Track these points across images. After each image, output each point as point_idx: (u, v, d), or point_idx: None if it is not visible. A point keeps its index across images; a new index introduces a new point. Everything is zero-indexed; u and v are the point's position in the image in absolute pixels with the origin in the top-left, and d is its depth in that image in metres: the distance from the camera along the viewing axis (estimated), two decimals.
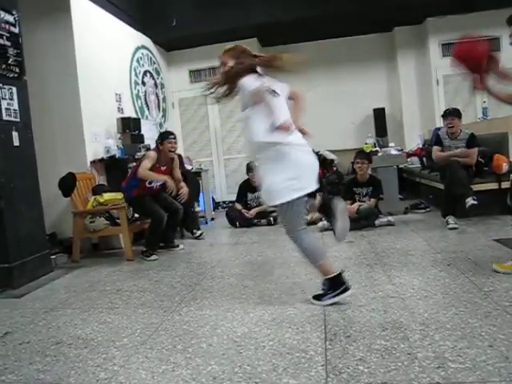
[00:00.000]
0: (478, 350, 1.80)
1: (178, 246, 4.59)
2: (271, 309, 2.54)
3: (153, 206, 4.24)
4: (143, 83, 6.79)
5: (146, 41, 7.02)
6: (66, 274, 3.95)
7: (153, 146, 5.82)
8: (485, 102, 7.21)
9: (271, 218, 5.53)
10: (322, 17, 6.84)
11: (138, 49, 6.68)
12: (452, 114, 4.66)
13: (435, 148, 4.80)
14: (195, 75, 7.93)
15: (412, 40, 7.75)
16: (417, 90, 7.89)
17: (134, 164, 4.60)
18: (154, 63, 7.33)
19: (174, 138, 4.45)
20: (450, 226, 4.30)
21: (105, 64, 5.59)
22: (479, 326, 2.04)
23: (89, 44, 5.22)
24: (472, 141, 4.55)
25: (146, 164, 4.22)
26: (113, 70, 5.82)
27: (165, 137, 4.40)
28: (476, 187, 4.47)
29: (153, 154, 4.31)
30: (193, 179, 5.42)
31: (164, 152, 4.37)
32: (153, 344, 2.19)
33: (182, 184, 4.56)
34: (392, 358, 1.81)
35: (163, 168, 4.41)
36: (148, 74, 7.01)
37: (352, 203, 4.90)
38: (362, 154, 5.19)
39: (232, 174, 7.84)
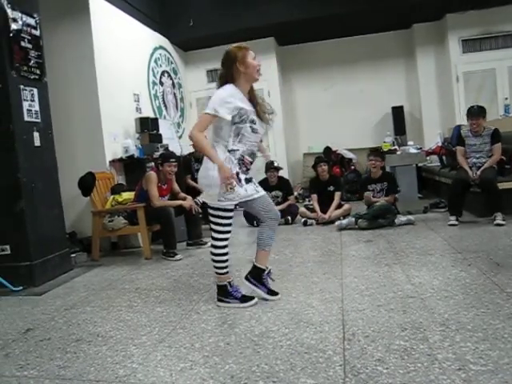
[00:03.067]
0: (500, 352, 1.76)
1: (206, 243, 4.60)
2: (289, 308, 2.53)
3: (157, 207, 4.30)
4: (161, 83, 6.85)
5: (164, 41, 7.08)
6: (85, 272, 4.00)
7: (171, 146, 5.87)
8: (507, 98, 7.07)
9: (289, 218, 5.51)
10: (338, 15, 6.79)
11: (155, 49, 6.73)
12: (477, 114, 4.53)
13: (458, 149, 4.75)
14: (213, 75, 7.96)
15: (431, 37, 7.63)
16: (436, 87, 7.77)
17: (139, 183, 4.55)
18: (172, 63, 7.38)
19: (175, 162, 4.53)
20: (450, 222, 4.46)
21: (123, 65, 5.65)
22: (502, 327, 1.99)
23: (107, 45, 5.28)
24: (496, 136, 4.48)
25: (155, 192, 4.30)
26: (131, 71, 5.88)
27: (166, 160, 4.49)
28: (499, 186, 4.39)
29: (154, 177, 4.35)
30: None
31: (163, 173, 4.48)
32: (171, 342, 2.21)
33: (182, 195, 4.68)
34: (411, 358, 1.79)
35: (164, 187, 4.54)
36: (166, 74, 7.06)
37: None
38: (375, 153, 5.19)
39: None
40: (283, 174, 6.09)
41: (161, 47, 6.95)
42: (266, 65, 7.65)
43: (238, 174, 2.61)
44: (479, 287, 2.57)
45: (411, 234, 4.31)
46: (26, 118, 3.66)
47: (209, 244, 4.53)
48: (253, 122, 2.62)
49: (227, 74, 2.62)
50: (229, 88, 2.58)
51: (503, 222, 4.18)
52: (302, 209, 5.54)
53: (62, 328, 2.58)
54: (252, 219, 5.66)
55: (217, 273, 2.75)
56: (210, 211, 2.67)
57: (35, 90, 3.78)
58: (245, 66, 2.58)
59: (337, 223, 4.90)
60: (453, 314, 2.21)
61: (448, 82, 7.52)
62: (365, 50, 8.00)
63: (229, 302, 2.69)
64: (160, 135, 5.86)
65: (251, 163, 2.72)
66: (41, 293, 3.40)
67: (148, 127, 5.62)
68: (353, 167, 7.57)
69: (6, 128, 3.52)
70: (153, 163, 5.00)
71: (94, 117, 4.98)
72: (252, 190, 2.68)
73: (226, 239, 2.69)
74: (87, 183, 4.48)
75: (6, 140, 3.53)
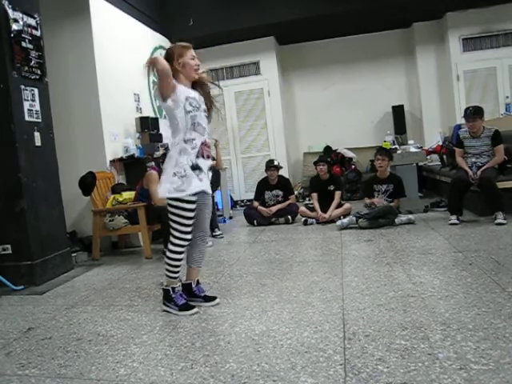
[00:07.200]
0: (501, 352, 1.76)
1: (206, 242, 4.59)
2: (289, 307, 2.54)
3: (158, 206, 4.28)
4: None
5: (164, 41, 7.06)
6: (86, 271, 4.01)
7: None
8: (507, 97, 7.07)
9: (289, 217, 5.51)
10: (339, 14, 6.78)
11: (155, 49, 6.72)
12: (473, 114, 4.47)
13: (457, 151, 4.74)
14: (212, 75, 7.94)
15: (431, 35, 7.63)
16: (437, 86, 7.77)
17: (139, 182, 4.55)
18: None
19: None
20: (451, 221, 4.45)
21: (123, 64, 5.64)
22: (503, 326, 1.99)
23: (108, 45, 5.28)
24: (497, 138, 4.46)
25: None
26: (131, 70, 5.87)
27: None
28: (500, 185, 4.39)
29: (155, 176, 4.25)
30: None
31: None
32: (171, 341, 2.21)
33: None
34: (412, 358, 1.79)
35: None
36: None
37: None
38: (383, 151, 5.18)
39: (250, 172, 7.85)
40: (283, 173, 6.09)
41: (161, 47, 6.93)
42: (266, 64, 7.68)
43: (196, 164, 2.55)
44: (480, 286, 2.56)
45: (412, 233, 4.31)
46: (27, 118, 3.66)
47: (210, 243, 4.59)
48: (205, 110, 2.65)
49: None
50: None
51: (504, 221, 4.18)
52: (303, 208, 5.54)
53: (62, 327, 2.58)
54: (252, 218, 5.67)
55: (168, 276, 2.68)
56: (169, 209, 2.64)
57: (36, 90, 3.78)
58: (181, 65, 2.64)
59: (337, 222, 4.89)
60: (454, 313, 2.21)
61: (448, 81, 7.52)
62: (365, 49, 8.00)
63: (169, 307, 2.65)
64: (160, 135, 5.86)
65: (208, 147, 2.67)
66: (42, 292, 3.40)
67: (148, 127, 5.63)
68: (353, 166, 7.57)
69: (6, 128, 3.53)
70: (153, 162, 5.01)
71: (94, 116, 4.98)
72: (207, 183, 2.64)
73: (185, 240, 2.66)
74: (88, 183, 4.48)
75: (7, 140, 3.54)
